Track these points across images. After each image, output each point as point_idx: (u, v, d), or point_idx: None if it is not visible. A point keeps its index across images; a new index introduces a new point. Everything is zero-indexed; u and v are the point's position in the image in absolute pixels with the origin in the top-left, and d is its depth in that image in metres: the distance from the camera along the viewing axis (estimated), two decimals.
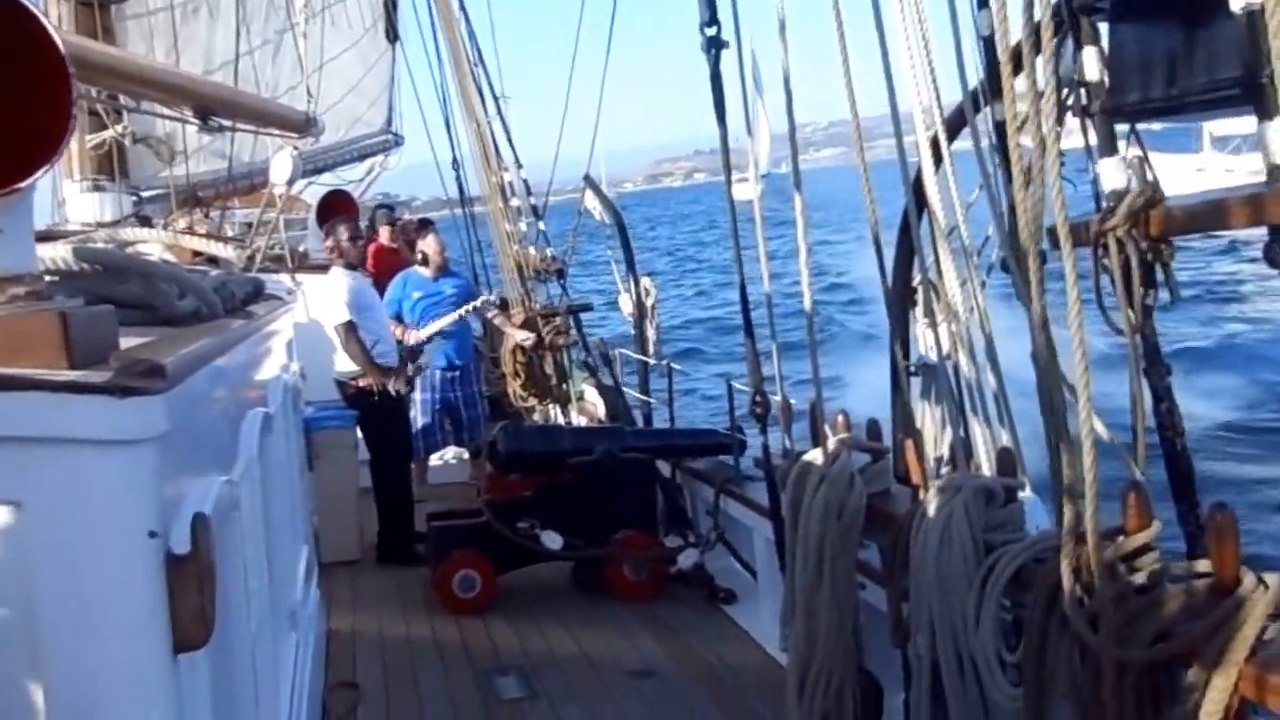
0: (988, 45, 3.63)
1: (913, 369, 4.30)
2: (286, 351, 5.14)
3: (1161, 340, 3.34)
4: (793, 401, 5.13)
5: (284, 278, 8.19)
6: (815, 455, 4.02)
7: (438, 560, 7.31)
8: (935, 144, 3.84)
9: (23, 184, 1.79)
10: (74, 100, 1.82)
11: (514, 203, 11.70)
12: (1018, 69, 2.91)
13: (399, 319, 9.63)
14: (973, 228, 3.87)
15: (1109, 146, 3.24)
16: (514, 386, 10.57)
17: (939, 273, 3.98)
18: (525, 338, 10.31)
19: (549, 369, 10.44)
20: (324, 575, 6.78)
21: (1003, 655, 3.16)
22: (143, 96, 6.13)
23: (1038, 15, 2.76)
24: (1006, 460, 3.64)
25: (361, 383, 8.48)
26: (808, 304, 4.41)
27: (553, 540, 7.23)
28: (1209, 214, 3.00)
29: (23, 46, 1.83)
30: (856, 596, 3.97)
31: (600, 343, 10.54)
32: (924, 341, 4.23)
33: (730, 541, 7.24)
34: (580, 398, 10.67)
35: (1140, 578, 2.69)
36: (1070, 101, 3.32)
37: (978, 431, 3.89)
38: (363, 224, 11.78)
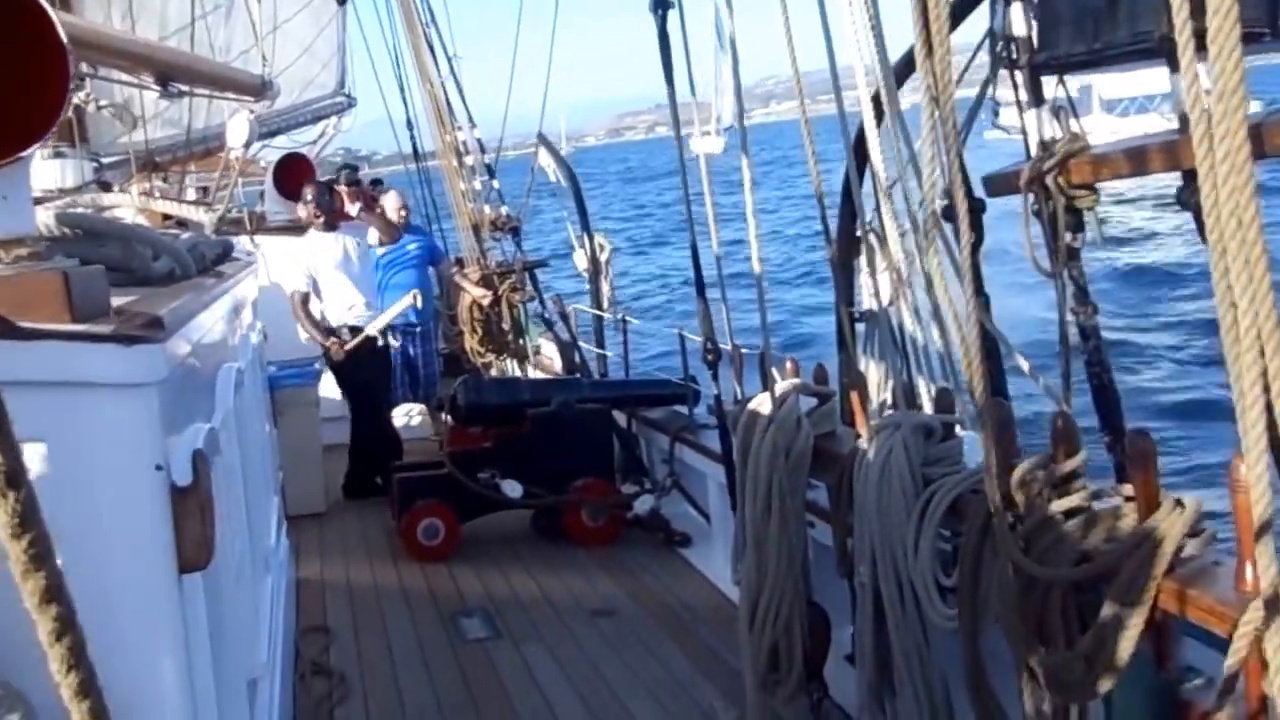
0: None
1: (858, 315, 4.49)
2: (252, 310, 5.27)
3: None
4: (744, 350, 5.32)
5: (243, 239, 8.28)
6: (764, 400, 4.19)
7: (402, 510, 7.46)
8: (877, 99, 4.00)
9: (25, 153, 1.93)
10: (72, 74, 1.96)
11: (468, 161, 11.77)
12: (956, 24, 3.07)
13: None
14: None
15: (1037, 98, 3.43)
16: (471, 343, 10.70)
17: (880, 224, 4.16)
18: (482, 294, 10.45)
19: (506, 325, 10.60)
20: (291, 527, 6.93)
21: (940, 580, 3.34)
22: (103, 64, 6.16)
23: None
24: (944, 398, 3.82)
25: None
26: (755, 262, 4.59)
27: (513, 489, 7.41)
28: (1128, 160, 3.19)
29: (18, 18, 1.96)
30: (805, 534, 4.14)
31: (557, 299, 10.67)
32: (867, 290, 4.41)
33: (684, 487, 7.45)
34: (537, 352, 10.80)
35: (1068, 502, 2.85)
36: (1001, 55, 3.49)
37: (919, 376, 4.08)
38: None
